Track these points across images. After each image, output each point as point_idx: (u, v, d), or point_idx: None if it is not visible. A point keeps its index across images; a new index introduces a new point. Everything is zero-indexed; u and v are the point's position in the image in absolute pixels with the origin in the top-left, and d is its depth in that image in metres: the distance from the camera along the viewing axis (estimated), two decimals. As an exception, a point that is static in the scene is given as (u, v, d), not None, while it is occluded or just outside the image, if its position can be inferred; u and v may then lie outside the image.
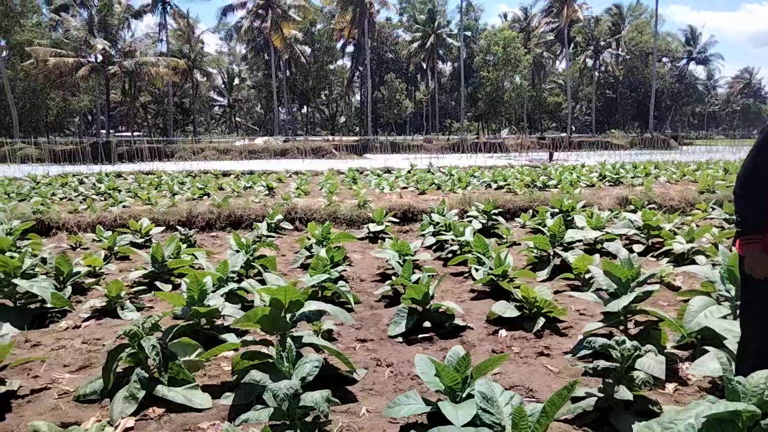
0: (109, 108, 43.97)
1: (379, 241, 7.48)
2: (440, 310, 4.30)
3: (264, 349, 3.28)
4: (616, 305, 3.46)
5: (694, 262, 5.77)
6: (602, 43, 60.47)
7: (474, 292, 5.26)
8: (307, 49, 56.17)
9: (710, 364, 2.79)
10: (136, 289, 5.23)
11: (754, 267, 2.41)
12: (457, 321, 4.25)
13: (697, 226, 7.57)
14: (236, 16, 51.16)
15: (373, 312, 4.71)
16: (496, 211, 8.64)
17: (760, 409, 1.85)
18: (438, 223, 7.53)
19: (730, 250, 3.92)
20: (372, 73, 54.37)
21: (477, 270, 5.28)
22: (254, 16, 47.67)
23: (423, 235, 7.59)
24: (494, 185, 14.10)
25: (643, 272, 3.75)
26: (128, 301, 4.82)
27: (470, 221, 8.05)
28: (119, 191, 13.69)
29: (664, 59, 66.55)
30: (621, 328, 3.82)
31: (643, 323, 3.81)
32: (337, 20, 50.14)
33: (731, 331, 2.93)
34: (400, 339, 4.03)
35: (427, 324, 4.18)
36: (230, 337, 3.78)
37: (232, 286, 4.35)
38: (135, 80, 42.52)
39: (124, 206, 10.46)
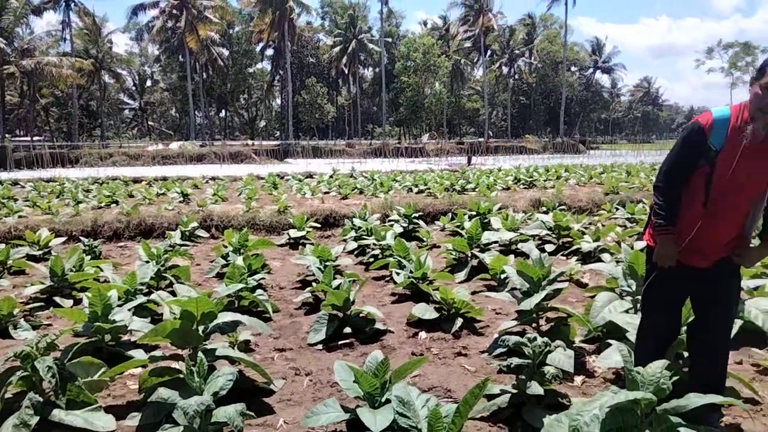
0: (4, 110, 40.54)
1: (300, 247, 7.36)
2: (361, 315, 4.27)
3: (174, 365, 3.11)
4: (529, 303, 3.58)
5: (600, 260, 6.13)
6: (516, 52, 63.31)
7: (395, 295, 5.28)
8: (225, 52, 54.69)
9: (614, 357, 2.94)
10: (31, 305, 4.81)
11: (664, 256, 2.54)
12: (378, 325, 4.23)
13: (603, 225, 8.05)
14: (148, 16, 48.81)
15: (293, 320, 4.61)
16: (416, 215, 8.75)
17: (656, 396, 1.97)
18: (360, 228, 7.51)
19: (632, 248, 4.18)
20: (293, 77, 53.77)
21: (398, 273, 5.30)
22: (168, 16, 45.65)
23: (345, 240, 7.55)
24: (415, 189, 14.32)
25: (554, 271, 3.91)
26: (22, 319, 4.41)
27: (392, 225, 8.11)
28: (15, 200, 12.59)
29: (573, 68, 70.73)
30: (534, 325, 3.97)
31: (554, 319, 3.97)
32: (256, 23, 49.02)
33: (632, 324, 3.10)
34: (320, 346, 3.96)
35: (347, 330, 4.13)
36: (138, 354, 3.54)
37: (141, 299, 4.11)
38: (35, 81, 39.45)
39: (20, 216, 9.64)
